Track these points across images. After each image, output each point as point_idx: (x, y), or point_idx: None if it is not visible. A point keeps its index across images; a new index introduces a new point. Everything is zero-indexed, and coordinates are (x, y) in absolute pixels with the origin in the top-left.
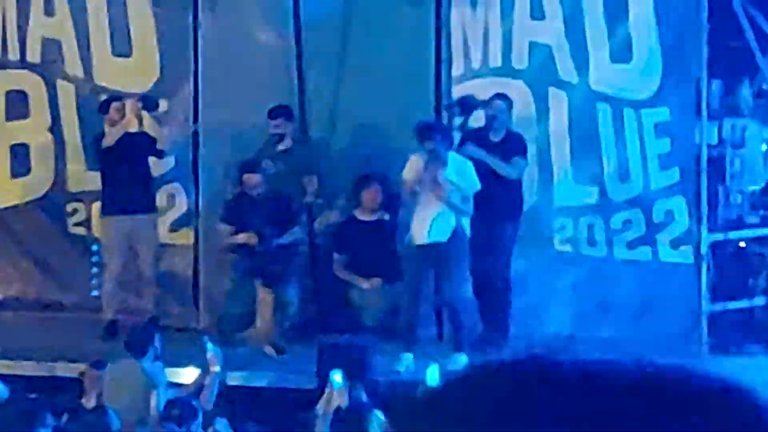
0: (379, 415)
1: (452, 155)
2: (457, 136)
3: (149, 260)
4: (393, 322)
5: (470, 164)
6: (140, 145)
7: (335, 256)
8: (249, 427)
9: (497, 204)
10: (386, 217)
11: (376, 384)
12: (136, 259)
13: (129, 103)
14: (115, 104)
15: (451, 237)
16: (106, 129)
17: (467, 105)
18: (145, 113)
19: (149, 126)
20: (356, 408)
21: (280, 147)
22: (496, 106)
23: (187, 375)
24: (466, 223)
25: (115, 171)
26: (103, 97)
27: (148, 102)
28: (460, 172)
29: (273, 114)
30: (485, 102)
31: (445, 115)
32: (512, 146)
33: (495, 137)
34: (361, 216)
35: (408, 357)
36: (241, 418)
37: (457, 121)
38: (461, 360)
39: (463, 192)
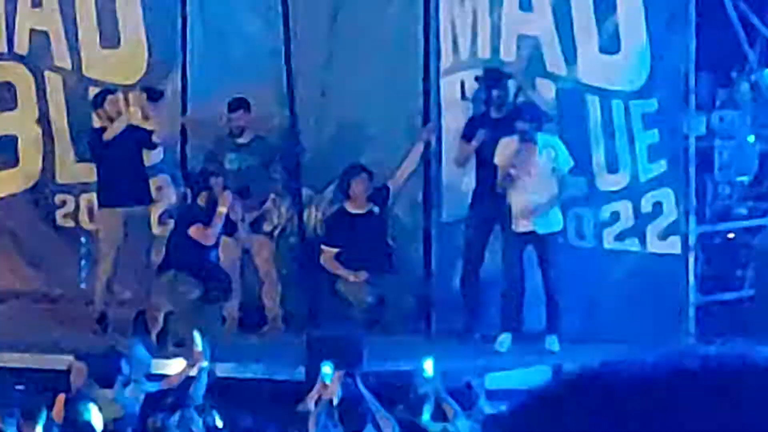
0: (385, 416)
1: (541, 136)
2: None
3: (143, 252)
4: (381, 315)
5: (559, 141)
6: (137, 138)
7: (324, 248)
8: (238, 418)
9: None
10: (375, 209)
11: (368, 377)
12: (131, 250)
13: (134, 95)
14: (110, 97)
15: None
16: (98, 122)
17: (493, 77)
18: (148, 104)
19: (153, 117)
20: (350, 401)
21: (240, 140)
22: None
23: (173, 367)
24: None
25: (113, 164)
26: (92, 88)
27: (152, 92)
28: (554, 150)
29: (232, 107)
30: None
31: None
32: (519, 119)
33: (497, 114)
34: (351, 208)
35: (507, 337)
36: (230, 410)
37: (482, 94)
38: (555, 342)
39: (559, 171)
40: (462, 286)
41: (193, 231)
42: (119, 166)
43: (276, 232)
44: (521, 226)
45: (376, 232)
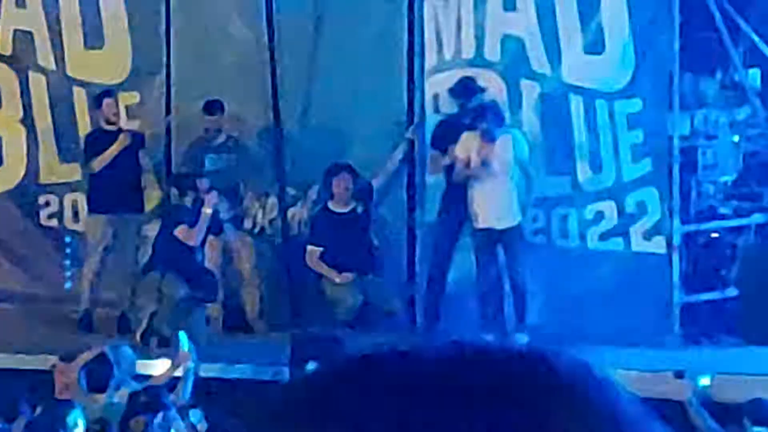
0: None
1: (499, 130)
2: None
3: (132, 252)
4: (365, 315)
5: (517, 131)
6: (131, 143)
7: (309, 247)
8: (222, 418)
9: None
10: (359, 209)
11: None
12: (119, 250)
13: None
14: (107, 100)
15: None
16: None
17: (467, 89)
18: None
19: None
20: None
21: (218, 141)
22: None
23: (158, 367)
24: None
25: (107, 169)
26: (76, 89)
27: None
28: (512, 139)
29: (209, 108)
30: (483, 88)
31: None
32: (482, 118)
33: (467, 119)
34: (335, 207)
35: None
36: (214, 410)
37: (455, 106)
38: (524, 338)
39: (520, 161)
40: (428, 287)
41: (179, 232)
42: (113, 171)
43: (256, 230)
44: (481, 222)
45: (359, 230)
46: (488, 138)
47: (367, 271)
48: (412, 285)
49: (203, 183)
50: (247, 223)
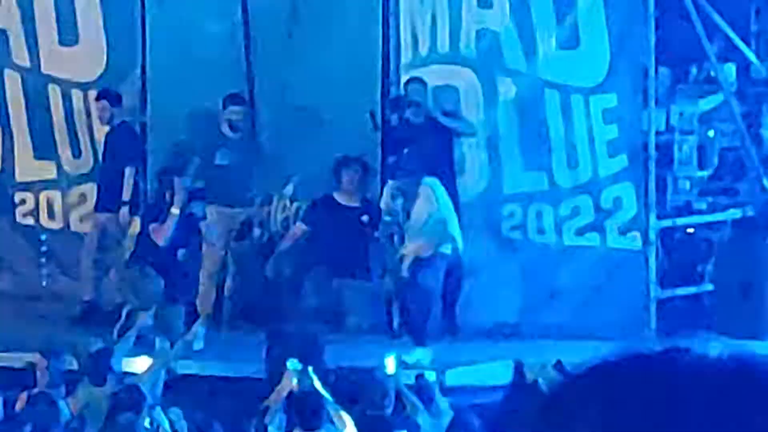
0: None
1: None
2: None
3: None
4: (341, 313)
5: (438, 183)
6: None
7: (297, 223)
8: (199, 416)
9: None
10: (364, 218)
11: (327, 373)
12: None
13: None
14: (96, 103)
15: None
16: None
17: (398, 104)
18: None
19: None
20: (306, 397)
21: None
22: (412, 90)
23: (140, 364)
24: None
25: (111, 167)
26: (51, 86)
27: (111, 96)
28: (433, 193)
29: (234, 100)
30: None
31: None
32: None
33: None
34: (339, 198)
35: (423, 351)
36: (190, 408)
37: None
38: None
39: (438, 214)
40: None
41: (152, 230)
42: (117, 170)
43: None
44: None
45: (359, 227)
46: (404, 190)
47: (356, 271)
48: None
49: (179, 182)
50: (256, 231)
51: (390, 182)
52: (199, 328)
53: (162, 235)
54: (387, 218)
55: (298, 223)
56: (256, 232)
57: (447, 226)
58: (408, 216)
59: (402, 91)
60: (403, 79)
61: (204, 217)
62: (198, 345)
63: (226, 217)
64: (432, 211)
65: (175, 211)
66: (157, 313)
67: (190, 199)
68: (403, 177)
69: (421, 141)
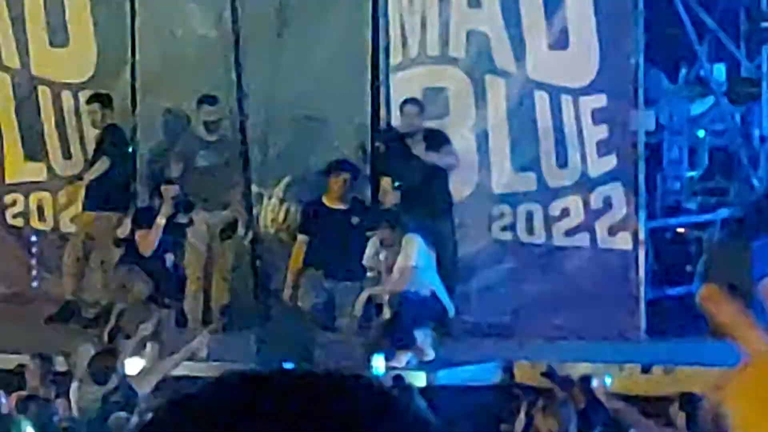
0: None
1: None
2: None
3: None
4: (330, 315)
5: (419, 238)
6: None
7: (299, 236)
8: None
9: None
10: (355, 220)
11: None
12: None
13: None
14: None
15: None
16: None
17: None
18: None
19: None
20: None
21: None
22: (407, 113)
23: (133, 365)
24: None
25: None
26: (41, 87)
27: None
28: (411, 246)
29: (209, 101)
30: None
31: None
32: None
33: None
34: (329, 202)
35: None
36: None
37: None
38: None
39: (418, 267)
40: None
41: (138, 236)
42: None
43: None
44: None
45: (351, 229)
46: (387, 244)
47: (349, 273)
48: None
49: (168, 190)
50: (240, 230)
51: (373, 238)
52: (204, 337)
53: (147, 244)
54: (369, 274)
55: (298, 237)
56: (240, 231)
57: (425, 276)
58: (390, 270)
59: (392, 96)
60: (393, 85)
61: (191, 224)
62: (202, 353)
63: (209, 220)
64: (411, 265)
65: (161, 221)
66: (159, 320)
67: (177, 209)
68: (385, 229)
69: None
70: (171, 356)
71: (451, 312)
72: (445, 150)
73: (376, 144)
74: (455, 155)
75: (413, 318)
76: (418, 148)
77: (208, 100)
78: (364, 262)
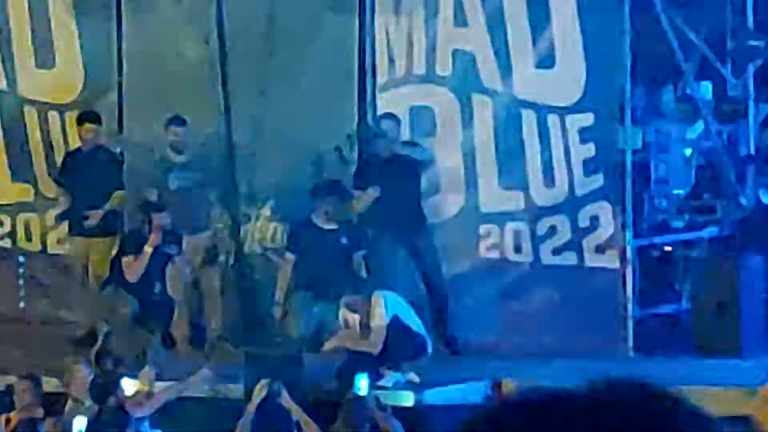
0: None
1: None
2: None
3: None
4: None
5: (389, 295)
6: (107, 161)
7: (286, 254)
8: None
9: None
10: (344, 240)
11: (306, 394)
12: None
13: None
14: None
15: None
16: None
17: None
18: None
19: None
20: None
21: (180, 159)
22: (384, 126)
23: (126, 387)
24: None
25: (85, 190)
26: (27, 108)
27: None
28: (380, 304)
29: (175, 122)
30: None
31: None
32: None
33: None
34: (319, 222)
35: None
36: (171, 428)
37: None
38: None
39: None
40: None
41: (124, 263)
42: (91, 192)
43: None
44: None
45: (340, 249)
46: (354, 309)
47: (337, 293)
48: None
49: (157, 218)
50: (221, 255)
51: (341, 302)
52: (206, 372)
53: (134, 271)
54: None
55: (286, 255)
56: (222, 258)
57: (404, 320)
58: (369, 328)
59: (376, 116)
60: (380, 105)
61: (180, 254)
62: (202, 389)
63: (189, 243)
64: (384, 324)
65: (148, 249)
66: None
67: (165, 239)
68: (352, 293)
69: (387, 181)
70: (171, 384)
71: (429, 349)
72: (419, 148)
73: (342, 152)
74: (430, 151)
75: (394, 354)
76: (395, 147)
77: (176, 121)
78: (340, 321)
